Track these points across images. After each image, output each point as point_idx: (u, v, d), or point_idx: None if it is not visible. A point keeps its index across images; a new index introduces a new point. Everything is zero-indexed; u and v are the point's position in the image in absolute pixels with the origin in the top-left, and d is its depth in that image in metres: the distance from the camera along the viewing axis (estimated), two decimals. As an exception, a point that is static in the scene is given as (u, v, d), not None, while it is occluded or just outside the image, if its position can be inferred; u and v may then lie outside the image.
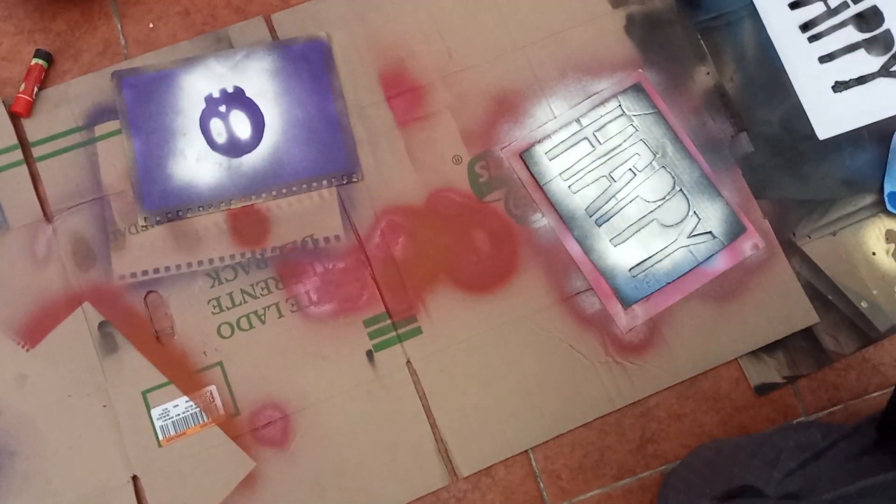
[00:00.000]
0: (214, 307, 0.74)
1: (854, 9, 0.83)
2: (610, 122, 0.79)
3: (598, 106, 0.79)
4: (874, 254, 0.78)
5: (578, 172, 0.78)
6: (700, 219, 0.77)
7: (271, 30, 0.80)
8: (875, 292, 0.77)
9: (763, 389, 0.76)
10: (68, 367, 0.72)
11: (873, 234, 0.79)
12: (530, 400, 0.74)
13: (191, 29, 0.80)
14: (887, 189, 0.79)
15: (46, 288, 0.73)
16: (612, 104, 0.79)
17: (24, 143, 0.76)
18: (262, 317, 0.74)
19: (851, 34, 0.82)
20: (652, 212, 0.77)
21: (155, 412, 0.71)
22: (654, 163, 0.78)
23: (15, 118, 0.76)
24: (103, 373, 0.72)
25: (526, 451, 0.74)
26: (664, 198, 0.78)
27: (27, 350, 0.72)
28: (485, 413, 0.73)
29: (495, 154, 0.78)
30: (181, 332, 0.73)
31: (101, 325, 0.72)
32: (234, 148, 0.77)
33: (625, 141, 0.79)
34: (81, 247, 0.74)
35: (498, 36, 0.80)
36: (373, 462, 0.72)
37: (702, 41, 0.81)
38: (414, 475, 0.72)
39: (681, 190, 0.78)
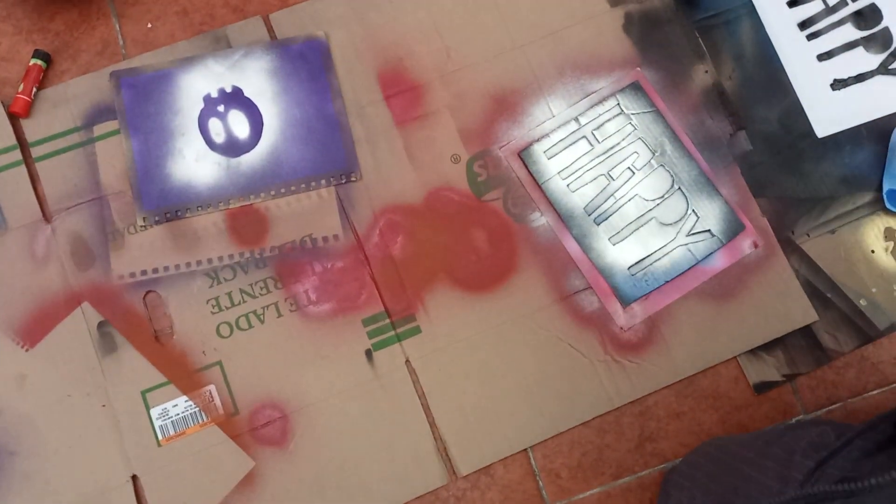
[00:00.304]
0: (213, 307, 0.74)
1: (852, 6, 0.83)
2: (608, 120, 0.79)
3: (596, 105, 0.79)
4: (873, 252, 0.78)
5: (577, 171, 0.78)
6: (699, 217, 0.77)
7: (269, 29, 0.80)
8: (874, 290, 0.77)
9: (762, 388, 0.76)
10: (67, 367, 0.72)
11: (872, 232, 0.79)
12: (529, 399, 0.74)
13: (189, 29, 0.80)
14: (886, 187, 0.79)
15: (45, 288, 0.73)
16: (611, 103, 0.79)
17: (22, 144, 0.76)
18: (261, 316, 0.74)
19: (850, 32, 0.82)
20: (650, 210, 0.77)
21: (154, 412, 0.71)
22: (652, 161, 0.78)
23: (14, 118, 0.76)
24: (102, 372, 0.72)
25: (525, 449, 0.74)
26: (663, 196, 0.78)
27: (26, 350, 0.72)
28: (484, 412, 0.73)
29: (494, 153, 0.78)
30: (180, 331, 0.73)
31: (101, 325, 0.73)
32: (232, 147, 0.77)
33: (623, 139, 0.79)
34: (80, 247, 0.74)
35: (496, 35, 0.80)
36: (372, 461, 0.72)
37: (700, 39, 0.81)
38: (413, 474, 0.72)
39: (679, 188, 0.78)
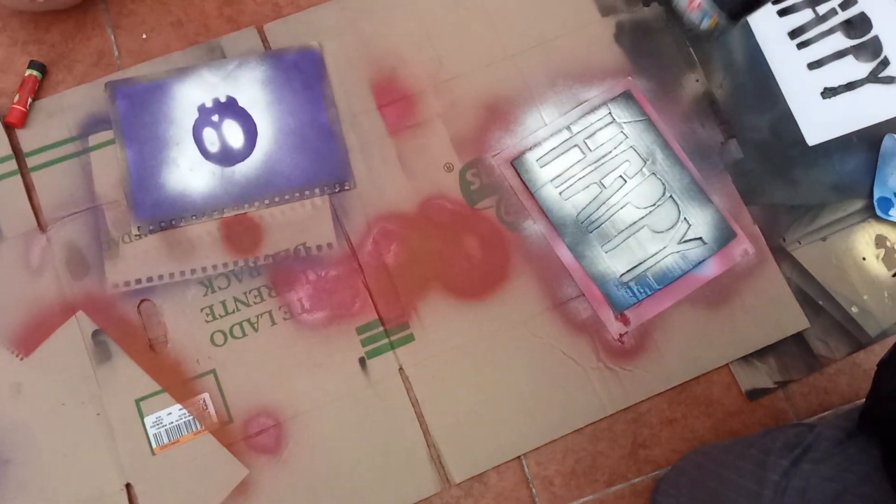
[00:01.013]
0: (207, 315, 0.74)
1: (842, 15, 0.83)
2: (600, 129, 0.79)
3: (588, 113, 0.80)
4: (864, 259, 0.79)
5: (569, 179, 0.78)
6: (690, 225, 0.78)
7: (264, 40, 0.80)
8: (865, 297, 0.78)
9: (754, 394, 0.76)
10: (62, 376, 0.72)
11: (863, 239, 0.79)
12: (522, 406, 0.74)
13: (183, 39, 0.80)
14: (877, 194, 0.79)
15: (40, 297, 0.73)
16: (603, 111, 0.80)
17: (18, 154, 0.76)
18: (255, 324, 0.74)
19: (840, 41, 0.83)
20: (642, 218, 0.78)
21: (148, 420, 0.72)
22: (644, 169, 0.79)
23: (9, 129, 0.76)
24: (97, 381, 0.72)
25: (518, 457, 0.74)
26: (654, 204, 0.78)
27: (21, 359, 0.72)
28: (477, 419, 0.74)
29: (486, 161, 0.79)
30: (174, 340, 0.73)
31: (95, 334, 0.73)
32: (226, 157, 0.77)
33: (615, 148, 0.79)
34: (75, 256, 0.74)
35: (488, 44, 0.81)
36: (365, 469, 0.72)
37: (691, 48, 0.82)
38: (406, 482, 0.72)
39: (671, 196, 0.78)
